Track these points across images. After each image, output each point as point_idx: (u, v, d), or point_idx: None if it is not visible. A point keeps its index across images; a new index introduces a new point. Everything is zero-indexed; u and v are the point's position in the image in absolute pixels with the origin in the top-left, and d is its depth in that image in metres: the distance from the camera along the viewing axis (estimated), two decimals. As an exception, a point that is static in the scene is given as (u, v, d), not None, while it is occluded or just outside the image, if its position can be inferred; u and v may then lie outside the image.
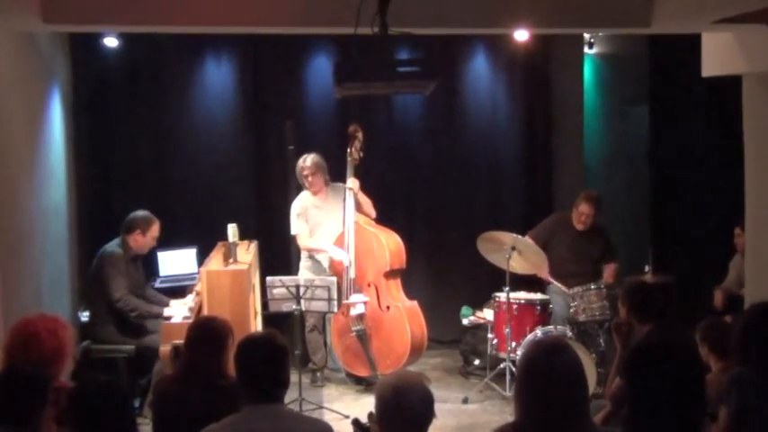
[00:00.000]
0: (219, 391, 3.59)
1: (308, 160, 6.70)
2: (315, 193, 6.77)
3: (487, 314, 6.86)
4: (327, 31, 5.84)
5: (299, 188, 6.85)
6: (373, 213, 6.81)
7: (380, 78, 4.25)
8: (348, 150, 6.64)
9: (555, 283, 6.64)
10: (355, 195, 6.66)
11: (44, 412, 3.14)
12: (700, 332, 4.47)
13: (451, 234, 7.86)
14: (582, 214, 6.71)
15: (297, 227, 6.76)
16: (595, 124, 8.31)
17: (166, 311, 5.89)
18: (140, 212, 6.13)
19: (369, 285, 6.63)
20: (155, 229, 6.10)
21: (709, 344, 4.43)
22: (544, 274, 6.66)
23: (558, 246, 6.75)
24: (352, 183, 6.65)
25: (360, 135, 6.63)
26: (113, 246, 6.02)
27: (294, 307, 5.98)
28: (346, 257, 6.58)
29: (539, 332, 6.13)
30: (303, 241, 6.78)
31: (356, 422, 3.05)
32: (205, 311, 5.27)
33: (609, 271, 6.64)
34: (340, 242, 6.67)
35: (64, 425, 3.33)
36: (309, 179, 6.70)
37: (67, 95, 6.89)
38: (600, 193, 6.90)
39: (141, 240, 6.05)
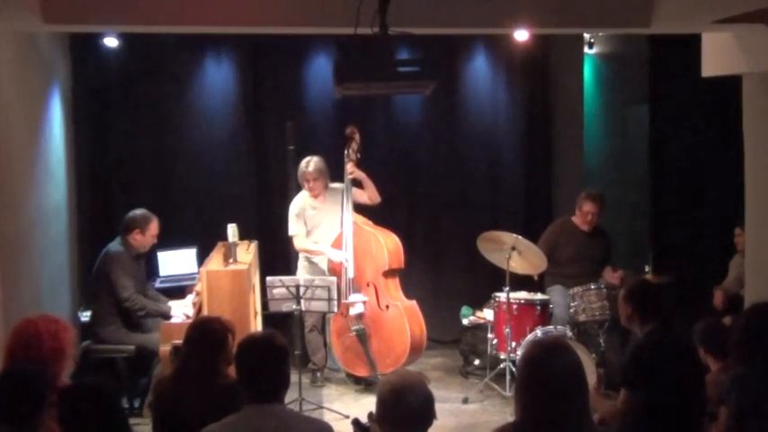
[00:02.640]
0: (219, 390, 3.59)
1: (311, 165, 6.68)
2: (314, 197, 6.77)
3: (487, 314, 6.86)
4: (327, 31, 5.82)
5: (299, 188, 6.85)
6: (378, 197, 6.77)
7: (380, 78, 4.24)
8: (346, 152, 6.64)
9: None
10: (355, 178, 6.64)
11: (43, 412, 3.14)
12: (696, 334, 4.48)
13: (451, 234, 7.87)
14: (588, 213, 6.70)
15: (295, 228, 6.76)
16: (595, 124, 8.32)
17: (173, 310, 5.90)
18: (138, 211, 6.12)
19: (368, 285, 6.63)
20: (153, 227, 6.10)
21: (706, 345, 4.44)
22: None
23: (563, 250, 6.74)
24: (351, 166, 6.62)
25: (357, 137, 6.63)
26: (116, 245, 6.03)
27: (294, 307, 5.98)
28: (343, 257, 6.58)
29: (539, 332, 6.13)
30: (299, 243, 6.77)
31: (356, 422, 3.05)
32: (205, 311, 5.27)
33: (615, 275, 6.62)
34: (338, 242, 6.67)
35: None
36: (311, 184, 6.70)
37: (67, 95, 6.89)
38: (601, 191, 6.91)
39: (141, 239, 6.05)
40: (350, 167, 6.64)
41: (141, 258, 6.20)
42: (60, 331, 3.67)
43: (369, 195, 6.74)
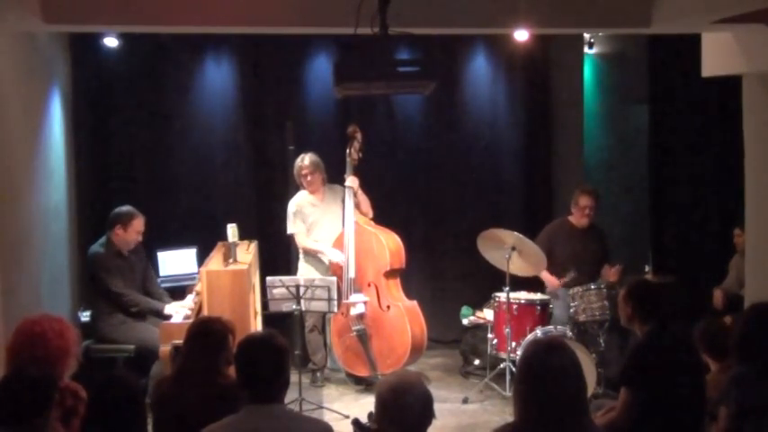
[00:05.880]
0: (219, 390, 3.59)
1: (305, 159, 6.71)
2: (312, 192, 6.78)
3: (487, 314, 6.86)
4: (327, 31, 5.84)
5: (298, 188, 6.85)
6: (370, 213, 6.81)
7: (380, 78, 4.25)
8: (347, 151, 6.65)
9: (559, 285, 6.61)
10: (355, 194, 6.67)
11: (49, 413, 3.15)
12: (697, 333, 4.48)
13: (451, 234, 7.87)
14: (585, 208, 6.69)
15: (293, 226, 6.77)
16: (595, 124, 8.31)
17: (167, 309, 5.90)
18: (123, 207, 6.10)
19: (369, 285, 6.63)
20: (137, 224, 6.06)
21: (707, 345, 4.44)
22: (553, 283, 6.65)
23: (560, 249, 6.73)
24: (352, 181, 6.66)
25: (359, 136, 6.65)
26: (96, 246, 6.03)
27: (294, 307, 5.98)
28: (343, 258, 6.58)
29: (539, 332, 6.13)
30: (300, 240, 6.78)
31: (356, 422, 3.05)
32: (205, 311, 5.27)
33: (613, 271, 6.61)
34: (340, 242, 6.67)
35: (71, 423, 3.36)
36: (308, 178, 6.71)
37: (67, 95, 6.89)
38: (595, 186, 6.91)
39: (123, 235, 6.01)
40: (354, 184, 6.62)
41: (134, 256, 6.17)
42: (65, 330, 3.68)
43: (361, 209, 6.75)
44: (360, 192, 6.72)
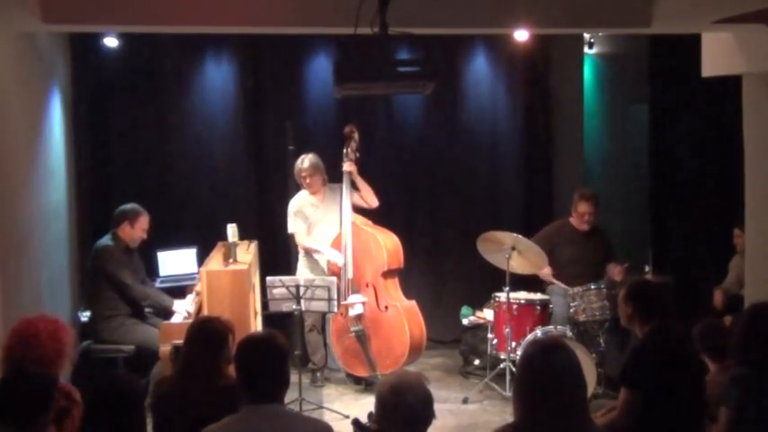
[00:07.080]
0: (219, 391, 3.59)
1: (305, 161, 6.71)
2: (313, 194, 6.78)
3: (487, 314, 6.86)
4: (327, 31, 5.83)
5: (298, 188, 6.86)
6: (374, 201, 6.77)
7: (380, 78, 4.25)
8: (344, 151, 6.65)
9: (557, 283, 6.63)
10: (352, 179, 6.66)
11: (50, 412, 3.16)
12: (696, 334, 4.48)
13: (451, 234, 7.88)
14: (584, 213, 6.70)
15: (293, 225, 6.78)
16: (595, 124, 8.31)
17: (175, 306, 5.90)
18: (128, 205, 6.15)
19: (367, 286, 6.63)
20: (143, 221, 6.11)
21: (705, 345, 4.44)
22: (546, 273, 6.66)
23: (562, 251, 6.74)
24: (349, 165, 6.64)
25: (355, 136, 6.64)
26: (105, 240, 6.05)
27: (294, 307, 5.98)
28: (341, 259, 6.58)
29: (539, 332, 6.14)
30: (300, 239, 6.78)
31: (356, 422, 3.05)
32: (205, 311, 5.27)
33: (619, 269, 6.60)
34: (337, 243, 6.67)
35: (63, 425, 3.36)
36: (308, 180, 6.71)
37: (67, 95, 6.89)
38: (594, 191, 6.91)
39: (130, 231, 6.06)
40: (349, 165, 6.63)
41: (133, 254, 6.19)
42: (60, 331, 3.68)
43: (365, 198, 6.73)
44: (359, 179, 6.70)
